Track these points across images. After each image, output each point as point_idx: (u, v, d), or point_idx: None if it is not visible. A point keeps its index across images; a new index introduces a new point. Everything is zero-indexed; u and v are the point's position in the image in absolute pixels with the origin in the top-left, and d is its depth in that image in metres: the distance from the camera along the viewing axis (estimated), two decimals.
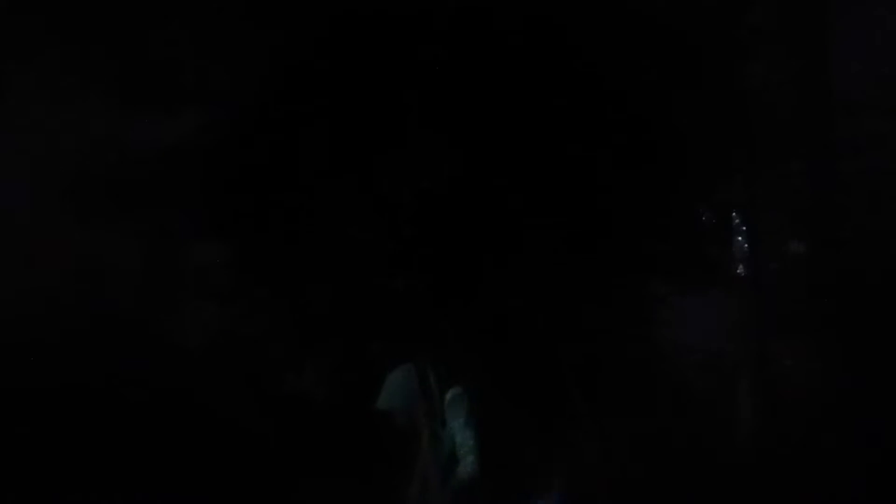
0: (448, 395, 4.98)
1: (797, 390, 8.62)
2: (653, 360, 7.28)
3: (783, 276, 8.94)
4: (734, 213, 8.32)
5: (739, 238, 8.55)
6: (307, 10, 6.17)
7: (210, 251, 6.79)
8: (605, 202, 6.40)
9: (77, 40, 6.35)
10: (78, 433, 6.30)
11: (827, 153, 8.92)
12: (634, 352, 6.99)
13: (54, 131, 6.73)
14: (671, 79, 6.37)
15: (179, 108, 6.55)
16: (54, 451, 6.25)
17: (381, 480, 5.51)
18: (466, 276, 6.39)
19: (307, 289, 6.55)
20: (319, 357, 6.73)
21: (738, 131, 6.90)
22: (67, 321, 6.64)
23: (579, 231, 6.37)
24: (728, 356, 8.63)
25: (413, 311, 6.42)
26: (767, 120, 7.59)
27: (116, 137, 6.61)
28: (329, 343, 6.65)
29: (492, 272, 6.39)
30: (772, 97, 8.30)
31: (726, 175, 7.57)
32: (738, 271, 8.56)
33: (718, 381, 8.60)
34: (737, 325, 8.59)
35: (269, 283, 6.67)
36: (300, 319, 6.64)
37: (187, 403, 6.52)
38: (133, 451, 6.30)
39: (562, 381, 6.53)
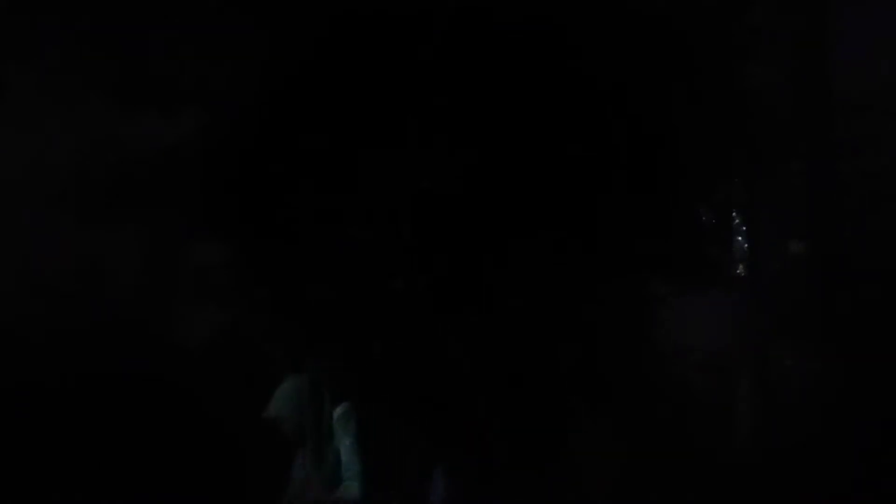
0: (337, 411, 4.67)
1: (797, 390, 8.63)
2: (653, 360, 7.28)
3: (783, 276, 8.96)
4: (734, 213, 8.33)
5: (739, 238, 8.56)
6: (307, 11, 6.17)
7: (210, 251, 6.79)
8: (605, 202, 6.40)
9: (77, 40, 6.34)
10: (78, 433, 6.30)
11: (827, 153, 8.93)
12: (634, 352, 6.99)
13: (54, 131, 6.73)
14: (671, 79, 6.37)
15: (179, 108, 6.54)
16: (54, 451, 6.25)
17: (256, 490, 5.38)
18: (466, 277, 6.39)
19: (307, 289, 6.55)
20: (319, 357, 6.73)
21: (737, 131, 6.90)
22: (67, 321, 6.64)
23: (579, 231, 6.37)
24: (728, 356, 8.64)
25: (413, 311, 6.42)
26: (767, 120, 7.59)
27: (116, 137, 6.61)
28: (329, 343, 6.65)
29: (492, 272, 6.39)
30: (772, 97, 8.31)
31: (726, 175, 7.57)
32: (738, 271, 8.57)
33: (718, 381, 8.61)
34: (737, 325, 8.60)
35: (269, 283, 6.66)
36: (300, 319, 6.63)
37: (187, 403, 6.53)
38: (133, 451, 6.31)
39: (561, 381, 6.54)
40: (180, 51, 6.35)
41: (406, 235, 6.33)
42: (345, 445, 4.50)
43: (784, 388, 8.61)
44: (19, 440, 6.19)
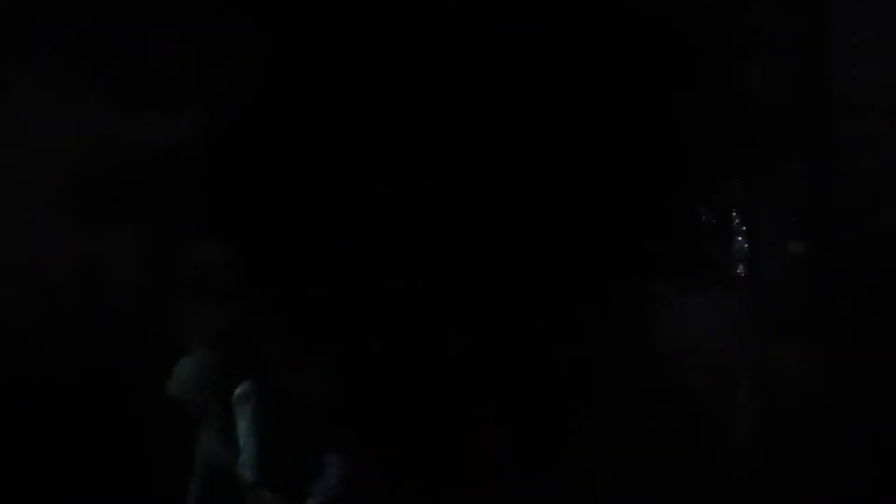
0: (237, 391, 4.47)
1: (797, 390, 8.62)
2: (652, 361, 7.28)
3: (783, 276, 8.95)
4: (734, 213, 8.33)
5: (739, 238, 8.56)
6: (307, 11, 6.17)
7: (210, 251, 6.78)
8: (605, 202, 6.40)
9: (77, 40, 6.34)
10: (77, 433, 6.30)
11: (827, 153, 8.93)
12: (634, 352, 6.98)
13: (54, 131, 6.73)
14: (671, 79, 6.36)
15: (179, 108, 6.54)
16: (53, 451, 6.25)
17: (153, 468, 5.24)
18: (466, 277, 6.39)
19: (307, 289, 6.55)
20: (319, 357, 6.73)
21: (737, 131, 6.89)
22: (67, 321, 6.64)
23: (579, 231, 6.37)
24: (728, 356, 8.64)
25: (413, 311, 6.42)
26: (767, 120, 7.58)
27: (116, 137, 6.61)
28: (329, 343, 6.65)
29: (491, 272, 6.39)
30: (772, 97, 8.30)
31: (726, 175, 7.57)
32: (738, 271, 8.56)
33: (718, 381, 8.60)
34: (737, 325, 8.59)
35: (269, 283, 6.66)
36: (300, 320, 6.63)
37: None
38: (132, 451, 6.30)
39: (561, 381, 6.54)
40: (180, 51, 6.35)
41: (406, 235, 6.33)
42: (243, 427, 4.32)
43: (784, 388, 8.60)
44: (19, 440, 6.19)
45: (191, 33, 6.34)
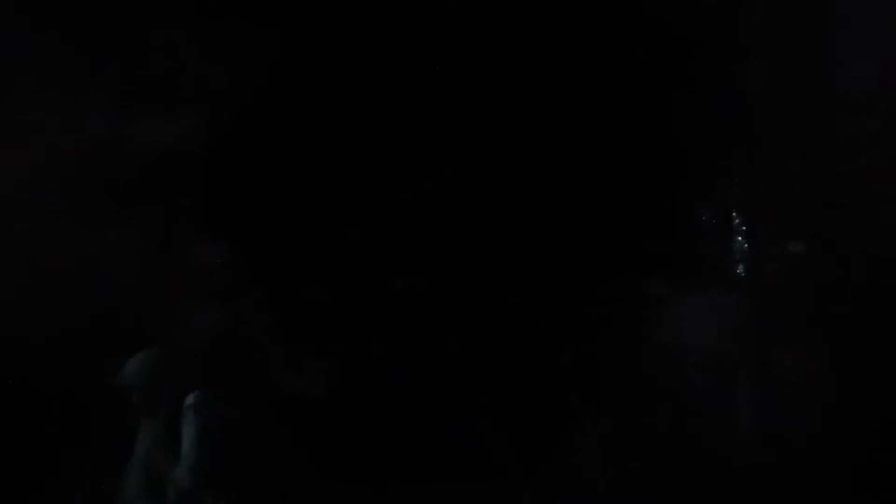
0: (189, 400, 4.32)
1: (796, 390, 8.63)
2: (653, 361, 7.28)
3: (783, 276, 8.95)
4: (734, 214, 8.33)
5: (739, 238, 8.56)
6: (307, 12, 6.17)
7: (210, 251, 6.79)
8: (605, 202, 6.40)
9: (77, 40, 6.34)
10: (77, 433, 6.29)
11: (827, 153, 8.93)
12: (634, 352, 6.99)
13: (54, 131, 6.72)
14: (671, 79, 6.37)
15: (179, 108, 6.54)
16: (53, 451, 6.24)
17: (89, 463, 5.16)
18: (466, 277, 6.39)
19: (307, 289, 6.55)
20: (319, 357, 6.73)
21: (737, 131, 6.90)
22: (66, 321, 6.64)
23: (579, 231, 6.36)
24: (728, 356, 8.64)
25: (413, 312, 6.42)
26: (767, 120, 7.59)
27: (116, 137, 6.61)
28: (329, 343, 6.65)
29: (491, 272, 6.39)
30: (772, 97, 8.30)
31: (726, 175, 7.57)
32: (738, 271, 8.57)
33: (718, 381, 8.61)
34: (737, 325, 8.59)
35: (269, 284, 6.66)
36: (300, 320, 6.64)
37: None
38: (132, 450, 6.29)
39: (561, 381, 6.54)
40: (180, 51, 6.36)
41: (406, 236, 6.33)
42: (190, 435, 4.26)
43: (784, 388, 8.61)
44: (18, 440, 6.19)
45: (191, 33, 6.35)
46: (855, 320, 8.38)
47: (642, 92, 6.28)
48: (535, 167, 6.26)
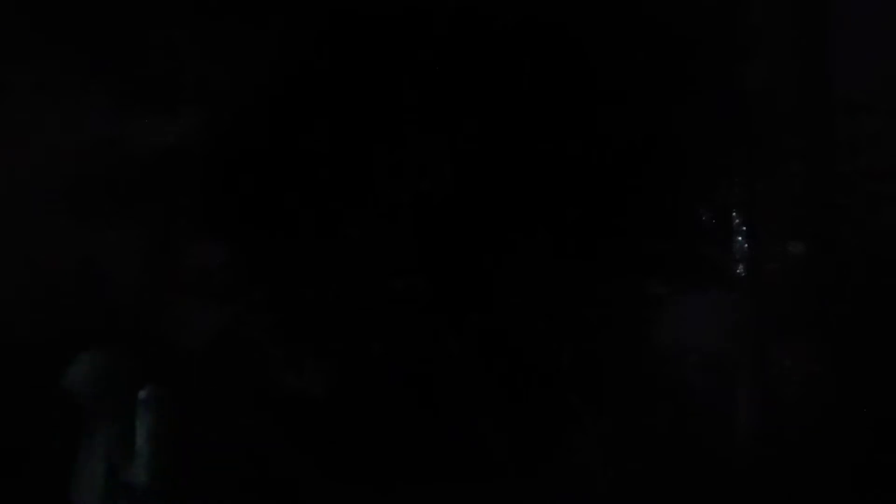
0: (141, 395, 4.23)
1: (796, 391, 8.62)
2: (653, 361, 7.28)
3: (783, 276, 8.94)
4: (734, 214, 8.32)
5: (739, 238, 8.55)
6: (307, 12, 6.17)
7: (210, 251, 6.79)
8: (606, 202, 6.40)
9: (77, 41, 6.34)
10: (76, 433, 6.28)
11: (827, 153, 8.92)
12: (634, 352, 6.99)
13: (54, 131, 6.72)
14: (671, 79, 6.37)
15: (179, 108, 6.54)
16: (52, 451, 6.24)
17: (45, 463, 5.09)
18: (466, 277, 6.39)
19: (307, 289, 6.55)
20: (319, 357, 6.73)
21: (737, 131, 6.90)
22: (66, 321, 6.63)
23: (579, 231, 6.37)
24: (728, 356, 8.64)
25: (412, 312, 6.42)
26: (767, 120, 7.58)
27: (116, 137, 6.61)
28: (329, 343, 6.65)
29: (491, 272, 6.39)
30: (772, 97, 8.30)
31: (726, 175, 7.57)
32: (738, 271, 8.56)
33: (718, 381, 8.60)
34: (737, 325, 8.59)
35: (269, 284, 6.67)
36: (300, 320, 6.64)
37: (186, 403, 6.51)
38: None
39: (562, 381, 6.54)
40: (180, 51, 6.36)
41: (406, 236, 6.33)
42: (142, 432, 4.19)
43: (784, 388, 8.60)
44: (18, 440, 6.19)
45: (191, 33, 6.35)
46: (855, 320, 8.38)
47: (642, 92, 6.28)
48: (534, 167, 6.26)
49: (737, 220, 8.46)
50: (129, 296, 7.03)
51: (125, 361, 4.45)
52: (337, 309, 6.47)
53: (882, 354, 8.08)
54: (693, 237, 7.00)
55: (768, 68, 8.28)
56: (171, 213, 6.86)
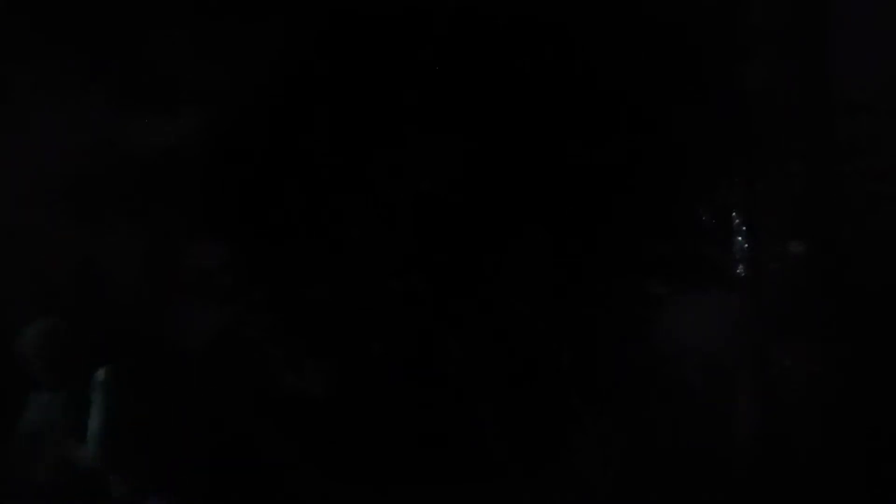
0: (98, 375, 4.13)
1: (797, 391, 8.62)
2: (653, 361, 7.28)
3: (783, 276, 8.94)
4: (734, 214, 8.32)
5: (739, 238, 8.54)
6: (307, 12, 6.17)
7: (210, 251, 6.79)
8: (605, 202, 6.40)
9: (77, 41, 6.34)
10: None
11: (827, 153, 8.92)
12: (634, 352, 6.98)
13: (54, 131, 6.72)
14: (671, 79, 6.37)
15: (179, 108, 6.54)
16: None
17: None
18: (466, 277, 6.39)
19: (307, 289, 6.55)
20: (319, 357, 6.73)
21: (737, 132, 6.89)
22: (66, 320, 6.62)
23: (579, 231, 6.37)
24: (728, 356, 8.63)
25: (412, 312, 6.42)
26: (767, 120, 7.58)
27: (116, 137, 6.60)
28: (329, 343, 6.65)
29: (491, 272, 6.39)
30: (772, 97, 8.29)
31: (726, 176, 7.56)
32: (738, 271, 8.55)
33: (718, 381, 8.60)
34: (737, 325, 8.58)
35: (269, 284, 6.67)
36: (300, 320, 6.64)
37: (186, 403, 6.52)
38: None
39: (562, 382, 6.53)
40: (180, 51, 6.36)
41: (406, 236, 6.33)
42: (96, 408, 4.09)
43: (784, 388, 8.60)
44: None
45: (191, 33, 6.35)
46: (855, 320, 8.37)
47: (642, 92, 6.28)
48: (535, 167, 6.26)
49: (737, 220, 8.45)
50: (129, 296, 7.03)
51: (80, 335, 4.36)
52: (337, 309, 6.47)
53: (882, 354, 8.08)
54: (693, 237, 7.00)
55: (768, 68, 8.27)
56: (171, 213, 6.85)
